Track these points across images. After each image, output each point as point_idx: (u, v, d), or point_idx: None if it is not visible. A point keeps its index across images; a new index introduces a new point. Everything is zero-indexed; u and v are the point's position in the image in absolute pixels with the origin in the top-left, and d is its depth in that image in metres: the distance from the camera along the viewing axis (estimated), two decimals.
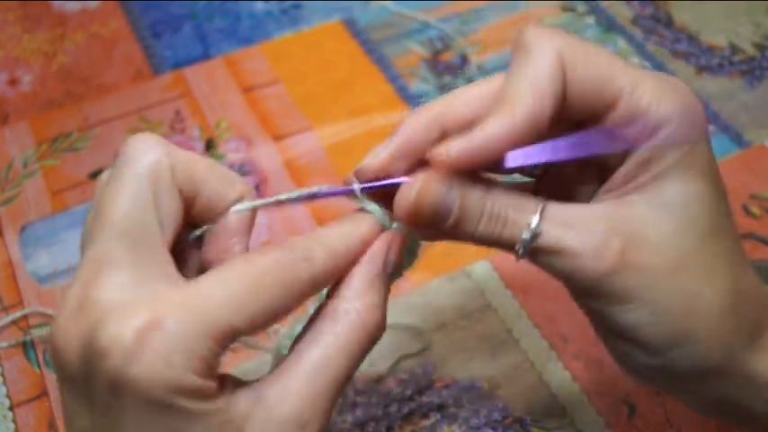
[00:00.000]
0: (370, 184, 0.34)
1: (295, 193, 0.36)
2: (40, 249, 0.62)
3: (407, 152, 0.34)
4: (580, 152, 0.32)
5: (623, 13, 0.80)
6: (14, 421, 0.52)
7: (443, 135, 0.33)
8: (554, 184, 0.37)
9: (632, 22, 0.78)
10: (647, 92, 0.32)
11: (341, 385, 0.31)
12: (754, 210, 0.63)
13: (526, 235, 0.32)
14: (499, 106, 0.32)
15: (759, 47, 0.76)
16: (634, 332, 0.33)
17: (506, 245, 0.33)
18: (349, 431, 0.51)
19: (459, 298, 0.58)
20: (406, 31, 0.78)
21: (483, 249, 0.61)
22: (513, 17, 0.79)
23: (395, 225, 0.35)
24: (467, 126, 0.32)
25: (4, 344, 0.56)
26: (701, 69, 0.74)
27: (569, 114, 0.33)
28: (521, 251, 0.33)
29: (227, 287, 0.29)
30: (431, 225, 0.33)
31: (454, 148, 0.31)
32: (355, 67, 0.75)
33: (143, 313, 0.27)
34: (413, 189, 0.32)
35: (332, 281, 0.33)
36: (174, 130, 0.70)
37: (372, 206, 0.35)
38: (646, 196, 0.33)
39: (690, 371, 0.34)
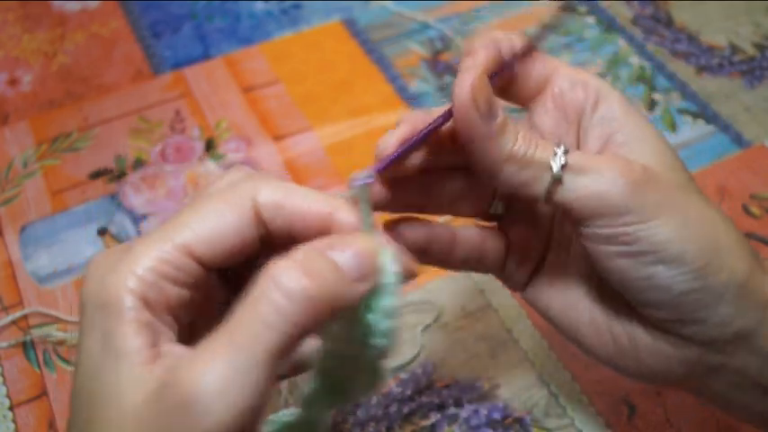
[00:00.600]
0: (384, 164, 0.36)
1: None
2: (40, 249, 0.62)
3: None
4: None
5: (623, 13, 0.80)
6: (14, 421, 0.52)
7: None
8: None
9: (632, 22, 0.78)
10: (580, 70, 0.40)
11: (266, 366, 0.27)
12: (754, 210, 0.63)
13: (559, 152, 0.35)
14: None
15: (759, 47, 0.76)
16: (669, 246, 0.34)
17: (538, 169, 0.35)
18: (349, 431, 0.51)
19: (460, 298, 0.58)
20: (405, 31, 0.78)
21: None
22: (512, 17, 0.79)
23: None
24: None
25: (4, 344, 0.56)
26: (701, 69, 0.74)
27: (516, 93, 0.40)
28: (556, 171, 0.34)
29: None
30: (483, 118, 0.34)
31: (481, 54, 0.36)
32: (355, 67, 0.75)
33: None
34: (469, 78, 0.34)
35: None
36: (174, 130, 0.70)
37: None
38: (621, 146, 0.38)
39: (726, 287, 0.35)
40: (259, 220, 0.32)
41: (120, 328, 0.29)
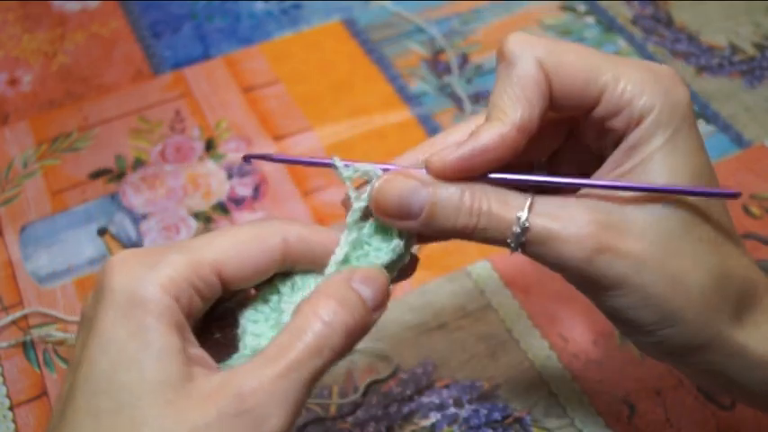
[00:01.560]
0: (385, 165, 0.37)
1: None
2: (40, 249, 0.62)
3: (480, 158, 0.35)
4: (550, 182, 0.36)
5: (623, 13, 0.80)
6: (14, 421, 0.52)
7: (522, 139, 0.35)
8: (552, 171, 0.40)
9: (632, 22, 0.78)
10: (629, 84, 0.35)
11: (299, 377, 0.32)
12: (754, 210, 0.63)
13: (516, 229, 0.34)
14: (489, 117, 0.35)
15: (759, 47, 0.76)
16: (625, 315, 0.35)
17: (496, 240, 0.35)
18: (349, 431, 0.51)
19: (460, 298, 0.58)
20: (405, 32, 0.78)
21: (483, 249, 0.61)
22: (512, 17, 0.79)
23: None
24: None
25: (4, 344, 0.56)
26: (701, 69, 0.74)
27: (557, 112, 0.37)
28: (513, 244, 0.35)
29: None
30: (399, 216, 0.35)
31: (449, 156, 0.35)
32: (355, 67, 0.75)
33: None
34: (377, 182, 0.35)
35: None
36: (174, 130, 0.70)
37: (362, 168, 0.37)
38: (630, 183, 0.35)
39: (681, 348, 0.36)
40: (286, 257, 0.35)
41: (160, 326, 0.31)
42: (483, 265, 0.59)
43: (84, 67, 0.76)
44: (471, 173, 0.35)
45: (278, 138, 0.69)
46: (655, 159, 0.34)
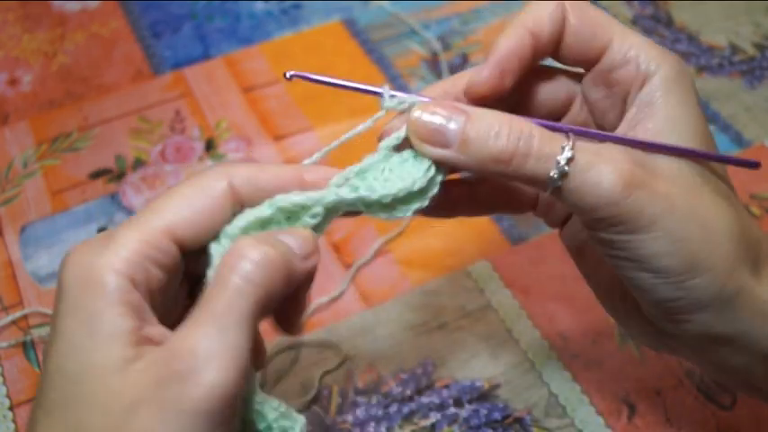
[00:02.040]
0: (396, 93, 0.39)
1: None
2: (40, 249, 0.62)
3: (506, 67, 0.38)
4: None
5: (623, 13, 0.80)
6: (14, 421, 0.52)
7: (535, 46, 0.38)
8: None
9: (632, 22, 0.78)
10: (635, 42, 0.38)
11: (244, 330, 0.31)
12: (754, 210, 0.63)
13: (561, 159, 0.34)
14: (508, 29, 0.38)
15: (759, 47, 0.76)
16: (656, 260, 0.35)
17: (535, 173, 0.35)
18: (349, 431, 0.51)
19: (460, 298, 0.58)
20: (405, 32, 0.78)
21: (483, 249, 0.61)
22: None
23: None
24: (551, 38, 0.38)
25: (4, 344, 0.56)
26: (701, 69, 0.74)
27: (569, 53, 0.39)
28: (555, 175, 0.34)
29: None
30: (435, 141, 0.36)
31: (483, 72, 0.37)
32: (355, 67, 0.75)
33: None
34: (416, 109, 0.37)
35: None
36: (174, 130, 0.70)
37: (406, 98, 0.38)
38: (649, 135, 0.37)
39: (707, 300, 0.35)
40: (235, 198, 0.35)
41: (109, 310, 0.31)
42: (483, 264, 0.59)
43: (84, 67, 0.76)
44: (504, 88, 0.37)
45: (278, 138, 0.69)
46: (675, 118, 0.37)
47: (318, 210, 0.36)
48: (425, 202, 0.37)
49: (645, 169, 0.35)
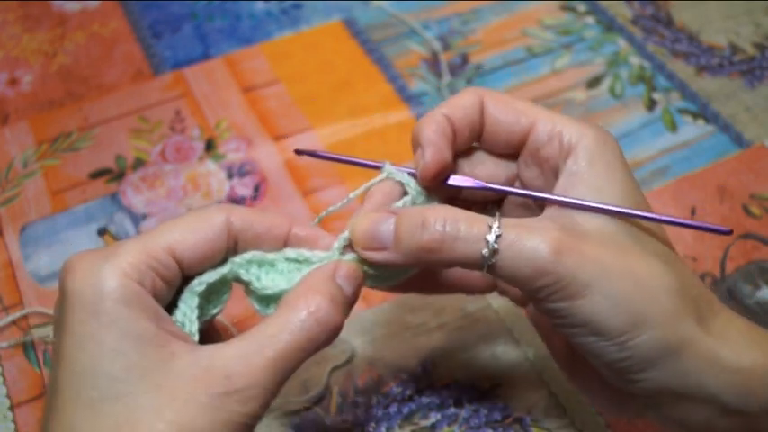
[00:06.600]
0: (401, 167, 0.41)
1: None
2: (40, 249, 0.62)
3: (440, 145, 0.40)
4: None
5: (623, 13, 0.80)
6: (14, 421, 0.52)
7: (455, 130, 0.41)
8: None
9: (632, 22, 0.78)
10: (558, 120, 0.40)
11: (284, 367, 0.34)
12: (754, 210, 0.63)
13: (490, 237, 0.35)
14: (426, 116, 0.40)
15: (759, 47, 0.76)
16: (597, 323, 0.35)
17: (466, 254, 0.36)
18: (349, 431, 0.51)
19: (460, 298, 0.58)
20: (405, 32, 0.78)
21: None
22: (512, 17, 0.79)
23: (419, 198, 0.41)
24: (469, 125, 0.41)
25: (4, 344, 0.56)
26: (701, 69, 0.74)
27: (495, 138, 0.41)
28: (487, 253, 0.35)
29: None
30: (373, 247, 0.38)
31: (426, 156, 0.40)
32: (355, 67, 0.75)
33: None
34: (352, 224, 0.39)
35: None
36: (174, 130, 0.70)
37: (404, 176, 0.41)
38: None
39: (654, 356, 0.35)
40: (230, 234, 0.38)
41: (130, 312, 0.33)
42: None
43: (84, 67, 0.76)
44: (449, 163, 0.40)
45: (278, 138, 0.69)
46: (600, 187, 0.38)
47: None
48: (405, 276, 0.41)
49: (573, 235, 0.36)
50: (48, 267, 0.61)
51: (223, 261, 0.38)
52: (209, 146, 0.69)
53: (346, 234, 0.39)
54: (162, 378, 0.33)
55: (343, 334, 0.55)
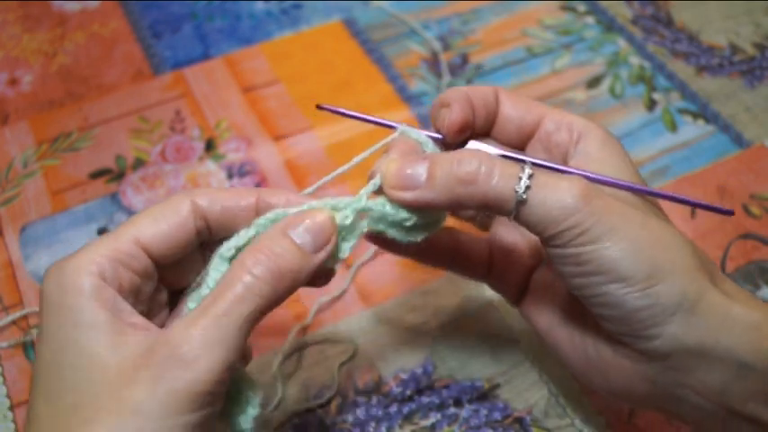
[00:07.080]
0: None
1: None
2: (40, 249, 0.62)
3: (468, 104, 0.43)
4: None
5: (623, 13, 0.80)
6: (14, 421, 0.52)
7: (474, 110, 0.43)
8: None
9: (632, 22, 0.78)
10: (566, 114, 0.43)
11: (227, 327, 0.35)
12: (754, 210, 0.63)
13: (522, 175, 0.37)
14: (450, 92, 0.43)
15: (759, 47, 0.76)
16: (620, 267, 0.36)
17: (500, 193, 0.37)
18: (349, 431, 0.51)
19: (460, 298, 0.58)
20: (405, 32, 0.78)
21: None
22: (512, 17, 0.79)
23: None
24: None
25: (4, 344, 0.56)
26: (701, 69, 0.74)
27: (508, 126, 0.44)
28: (520, 191, 0.37)
29: None
30: (407, 186, 0.38)
31: (454, 108, 0.42)
32: (355, 67, 0.75)
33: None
34: (384, 167, 0.39)
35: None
36: (174, 130, 0.70)
37: (420, 135, 0.42)
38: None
39: (672, 306, 0.36)
40: (198, 215, 0.39)
41: (86, 303, 0.35)
42: None
43: (84, 67, 0.76)
44: (472, 122, 0.42)
45: (278, 138, 0.69)
46: (613, 165, 0.41)
47: (348, 213, 0.39)
48: (428, 233, 0.41)
49: (597, 188, 0.38)
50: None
51: (203, 245, 0.39)
52: (209, 146, 0.69)
53: (376, 180, 0.39)
54: (112, 361, 0.34)
55: (344, 332, 0.56)
